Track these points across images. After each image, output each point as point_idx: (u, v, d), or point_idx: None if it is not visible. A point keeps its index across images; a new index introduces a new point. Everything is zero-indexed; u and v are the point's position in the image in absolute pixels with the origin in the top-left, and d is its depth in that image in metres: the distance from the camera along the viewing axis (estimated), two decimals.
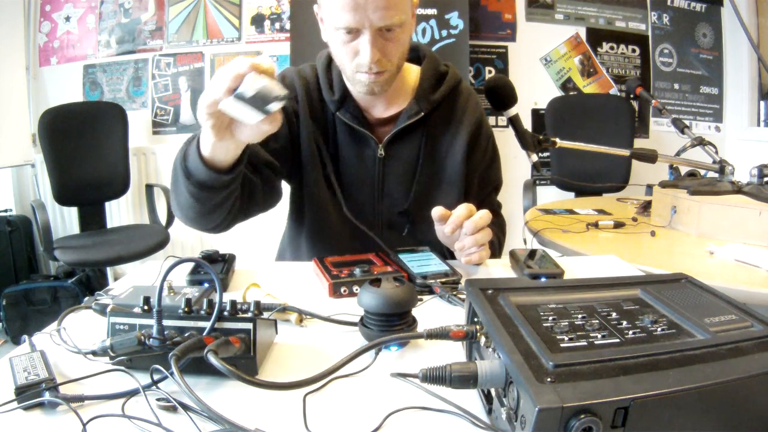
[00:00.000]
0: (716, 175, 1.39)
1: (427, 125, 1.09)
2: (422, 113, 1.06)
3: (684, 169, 1.55)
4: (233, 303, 0.61)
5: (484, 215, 0.89)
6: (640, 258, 1.13)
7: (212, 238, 2.96)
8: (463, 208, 0.89)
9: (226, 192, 0.86)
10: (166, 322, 0.55)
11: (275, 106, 0.64)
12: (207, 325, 0.56)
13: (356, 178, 1.09)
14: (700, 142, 1.47)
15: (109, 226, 2.80)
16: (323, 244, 1.11)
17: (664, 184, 1.48)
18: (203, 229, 0.95)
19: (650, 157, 1.32)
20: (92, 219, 2.72)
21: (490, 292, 0.54)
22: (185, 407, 0.49)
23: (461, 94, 1.13)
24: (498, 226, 1.21)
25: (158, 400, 0.51)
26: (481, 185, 1.18)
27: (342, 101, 1.06)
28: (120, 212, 2.98)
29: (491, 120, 2.88)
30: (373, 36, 0.92)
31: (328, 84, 1.08)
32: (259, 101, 0.63)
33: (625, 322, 0.47)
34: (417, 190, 1.10)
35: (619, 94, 3.06)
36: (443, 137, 1.11)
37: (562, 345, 0.43)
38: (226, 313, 0.59)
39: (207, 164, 0.80)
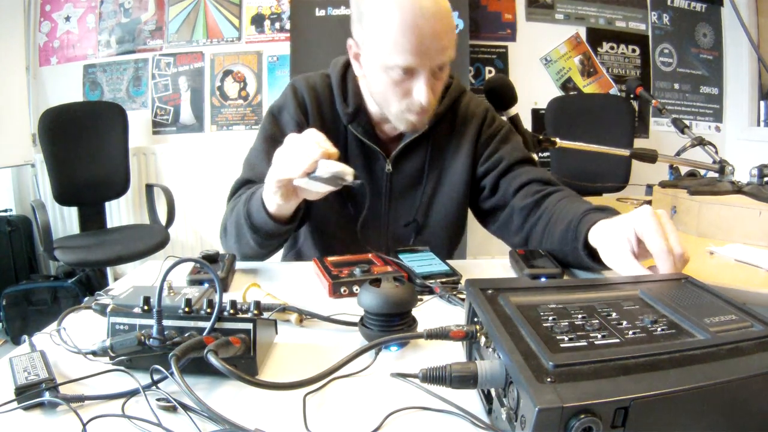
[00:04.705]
0: (716, 175, 1.38)
1: (432, 137, 1.09)
2: (427, 126, 1.06)
3: (684, 169, 1.55)
4: (233, 303, 0.61)
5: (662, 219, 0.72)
6: None
7: (212, 238, 2.96)
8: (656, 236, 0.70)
9: (287, 235, 0.97)
10: (166, 322, 0.55)
11: (345, 182, 0.77)
12: (207, 325, 0.56)
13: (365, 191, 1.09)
14: (700, 142, 1.47)
15: (109, 226, 2.80)
16: (326, 251, 1.11)
17: (664, 184, 1.48)
18: (257, 260, 1.03)
19: (650, 157, 1.32)
20: (92, 219, 2.72)
21: (490, 292, 0.54)
22: (185, 407, 0.49)
23: (462, 100, 1.14)
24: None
25: (158, 400, 0.51)
26: (503, 161, 1.10)
27: (355, 114, 1.06)
28: (120, 212, 2.98)
29: None
30: (428, 77, 0.93)
31: (342, 96, 1.07)
32: (332, 180, 0.76)
33: (625, 322, 0.47)
34: (423, 200, 1.11)
35: (619, 94, 3.06)
36: (448, 145, 1.11)
37: (562, 345, 0.43)
38: (226, 313, 0.59)
39: (273, 218, 0.89)
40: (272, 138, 1.06)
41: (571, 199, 0.98)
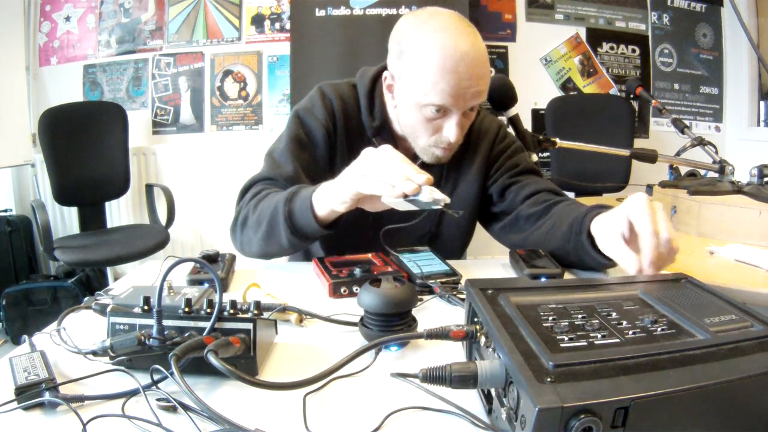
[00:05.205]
0: (716, 175, 1.38)
1: None
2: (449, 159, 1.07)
3: (684, 169, 1.55)
4: (233, 303, 0.61)
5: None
6: None
7: (212, 238, 2.96)
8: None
9: (321, 237, 0.95)
10: (166, 322, 0.55)
11: (438, 209, 0.76)
12: (207, 325, 0.56)
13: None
14: (700, 142, 1.47)
15: (109, 226, 2.80)
16: (336, 252, 1.11)
17: (664, 184, 1.48)
18: (269, 259, 1.02)
19: (650, 157, 1.32)
20: (92, 219, 2.72)
21: (490, 292, 0.54)
22: (185, 407, 0.49)
23: (477, 118, 1.13)
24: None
25: (158, 400, 0.51)
26: (511, 170, 1.14)
27: (380, 129, 1.08)
28: (120, 212, 2.98)
29: None
30: (460, 117, 0.95)
31: (369, 110, 1.08)
32: (427, 204, 0.74)
33: (625, 322, 0.47)
34: (437, 212, 1.12)
35: (619, 94, 3.06)
36: (462, 161, 1.13)
37: (562, 345, 0.43)
38: (226, 313, 0.59)
39: (318, 222, 0.88)
40: (297, 139, 1.06)
41: (578, 205, 1.00)
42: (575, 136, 1.43)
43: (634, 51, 3.09)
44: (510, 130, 1.24)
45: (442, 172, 1.12)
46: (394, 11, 2.62)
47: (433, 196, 0.74)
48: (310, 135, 1.07)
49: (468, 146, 1.13)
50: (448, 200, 0.75)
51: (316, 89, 1.11)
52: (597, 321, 0.47)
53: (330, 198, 0.85)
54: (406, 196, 0.75)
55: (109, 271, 2.80)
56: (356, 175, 0.80)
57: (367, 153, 0.81)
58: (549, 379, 0.37)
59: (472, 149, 1.13)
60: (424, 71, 0.92)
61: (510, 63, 2.99)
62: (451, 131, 0.96)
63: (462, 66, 0.90)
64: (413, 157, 1.09)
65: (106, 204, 2.80)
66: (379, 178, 0.77)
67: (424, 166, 1.07)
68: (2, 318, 2.57)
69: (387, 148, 0.80)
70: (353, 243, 1.01)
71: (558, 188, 1.12)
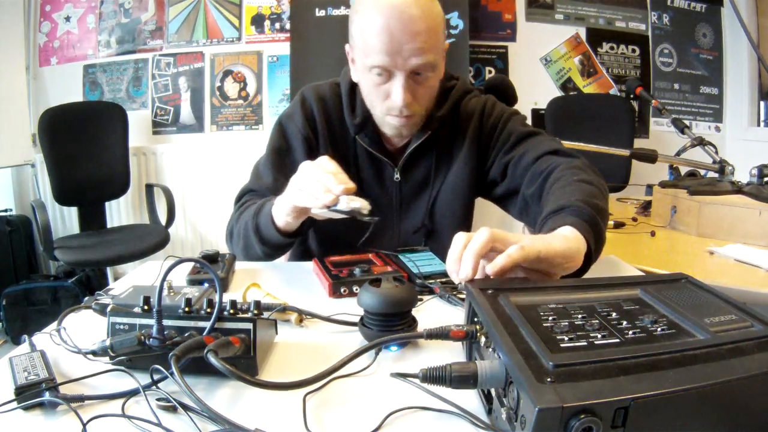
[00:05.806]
0: (716, 175, 1.39)
1: (437, 141, 1.10)
2: (429, 132, 1.06)
3: (684, 169, 1.55)
4: (233, 303, 0.61)
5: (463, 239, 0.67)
6: (640, 258, 1.13)
7: (212, 238, 2.96)
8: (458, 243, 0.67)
9: (293, 244, 1.01)
10: (166, 322, 0.55)
11: (362, 217, 0.79)
12: (207, 325, 0.56)
13: (376, 200, 1.09)
14: (700, 142, 1.47)
15: (109, 226, 2.80)
16: (334, 251, 1.10)
17: (664, 184, 1.48)
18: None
19: (650, 157, 1.33)
20: (92, 219, 2.72)
21: (490, 292, 0.54)
22: (185, 407, 0.49)
23: (464, 100, 1.13)
24: (578, 168, 0.97)
25: (158, 400, 0.51)
26: (505, 146, 1.09)
27: (362, 125, 1.07)
28: (120, 212, 2.98)
29: None
30: (406, 79, 0.94)
31: (350, 107, 1.08)
32: (349, 213, 0.79)
33: (625, 322, 0.47)
34: (431, 206, 1.11)
35: (619, 94, 3.06)
36: (452, 147, 1.11)
37: (562, 345, 0.43)
38: (226, 313, 0.59)
39: (281, 232, 0.93)
40: (278, 149, 1.08)
41: (554, 190, 0.92)
42: (575, 136, 1.43)
43: (634, 51, 3.09)
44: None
45: (432, 162, 1.10)
46: None
47: (350, 205, 0.78)
48: (289, 142, 1.08)
49: (457, 132, 1.11)
50: (367, 208, 0.78)
51: (298, 94, 1.12)
52: (597, 321, 0.47)
53: (281, 211, 0.90)
54: (328, 207, 0.78)
55: (109, 271, 2.80)
56: (293, 189, 0.84)
57: (303, 166, 0.83)
58: (549, 379, 0.37)
59: (461, 134, 1.11)
60: (365, 33, 0.93)
61: (510, 63, 2.99)
62: (397, 94, 0.94)
63: (393, 22, 0.89)
64: (404, 147, 1.09)
65: (106, 204, 2.80)
66: (308, 191, 0.80)
67: (414, 155, 1.07)
68: (2, 318, 2.57)
69: (322, 160, 0.83)
70: (349, 242, 1.01)
71: (553, 144, 1.04)
